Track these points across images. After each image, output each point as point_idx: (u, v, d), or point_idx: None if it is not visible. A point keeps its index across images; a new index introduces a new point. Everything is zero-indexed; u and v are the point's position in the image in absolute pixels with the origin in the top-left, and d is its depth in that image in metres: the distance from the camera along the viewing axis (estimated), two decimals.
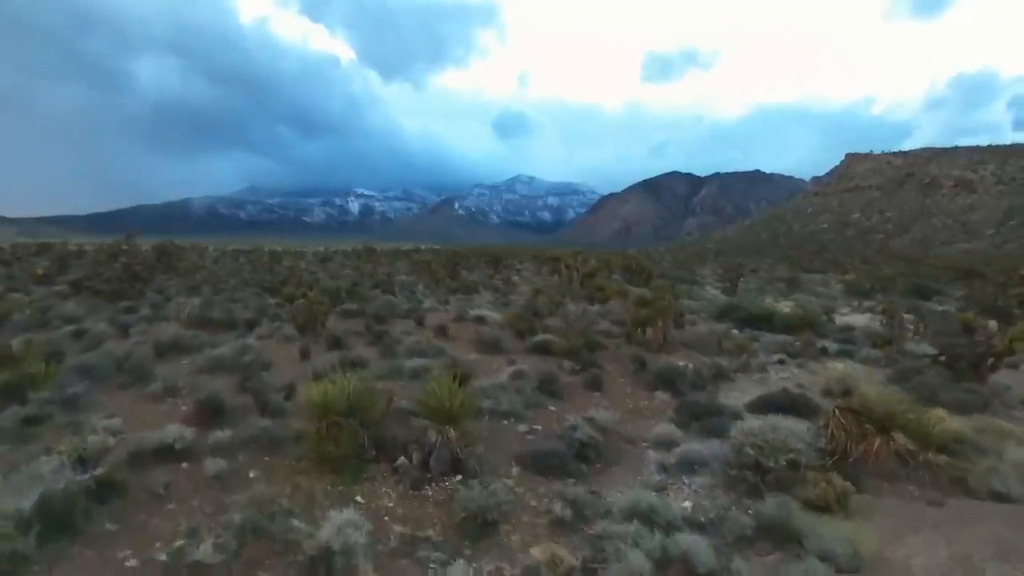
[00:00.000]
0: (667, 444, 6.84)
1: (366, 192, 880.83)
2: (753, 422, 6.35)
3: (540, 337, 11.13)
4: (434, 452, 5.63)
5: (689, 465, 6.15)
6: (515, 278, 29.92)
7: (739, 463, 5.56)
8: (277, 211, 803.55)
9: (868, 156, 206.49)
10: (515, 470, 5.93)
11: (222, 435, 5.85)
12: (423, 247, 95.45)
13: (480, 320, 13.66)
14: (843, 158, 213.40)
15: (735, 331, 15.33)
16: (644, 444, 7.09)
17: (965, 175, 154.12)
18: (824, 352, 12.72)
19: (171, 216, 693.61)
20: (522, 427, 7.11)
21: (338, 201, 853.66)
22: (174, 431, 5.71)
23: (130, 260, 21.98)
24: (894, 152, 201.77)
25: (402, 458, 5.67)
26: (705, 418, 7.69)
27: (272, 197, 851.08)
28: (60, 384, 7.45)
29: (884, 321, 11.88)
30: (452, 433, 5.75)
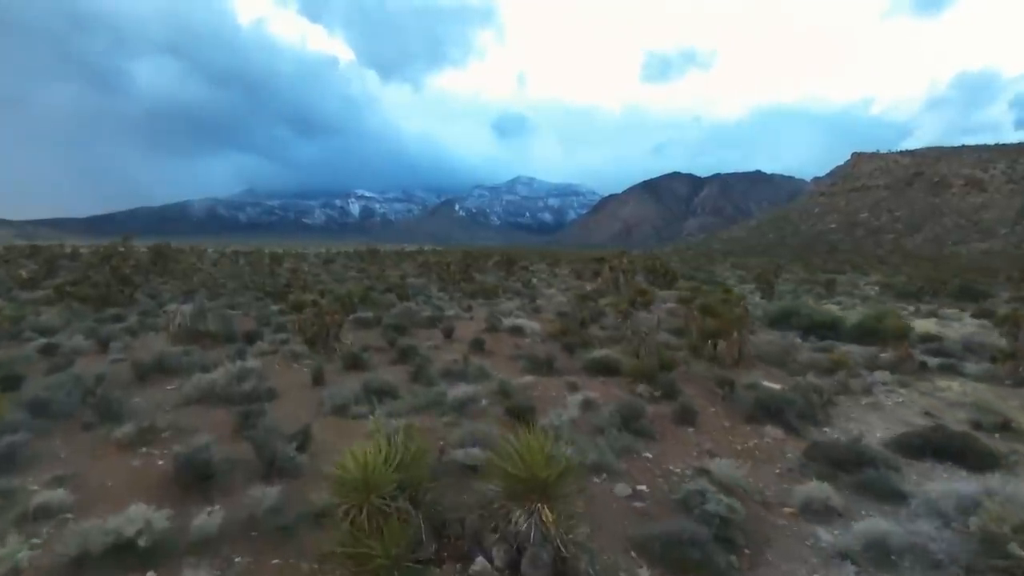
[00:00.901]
0: (827, 514, 4.95)
1: (366, 194, 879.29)
2: (947, 483, 4.48)
3: (598, 352, 9.24)
4: (527, 549, 3.74)
5: (883, 555, 4.25)
6: (534, 280, 28.01)
7: (992, 567, 3.65)
8: (277, 213, 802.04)
9: (874, 155, 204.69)
10: (644, 572, 4.02)
11: (208, 520, 3.96)
12: (427, 248, 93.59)
13: (517, 331, 11.77)
14: (849, 157, 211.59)
15: (798, 340, 13.48)
16: (787, 510, 5.19)
17: (975, 174, 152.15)
18: (924, 367, 10.82)
19: (170, 218, 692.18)
20: (621, 488, 5.22)
21: (338, 203, 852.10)
22: (138, 515, 3.83)
23: (119, 263, 20.09)
24: (901, 151, 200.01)
25: (480, 559, 3.78)
26: (853, 468, 5.79)
27: (272, 199, 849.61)
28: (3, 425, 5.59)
29: (1006, 331, 9.97)
30: (548, 515, 3.87)
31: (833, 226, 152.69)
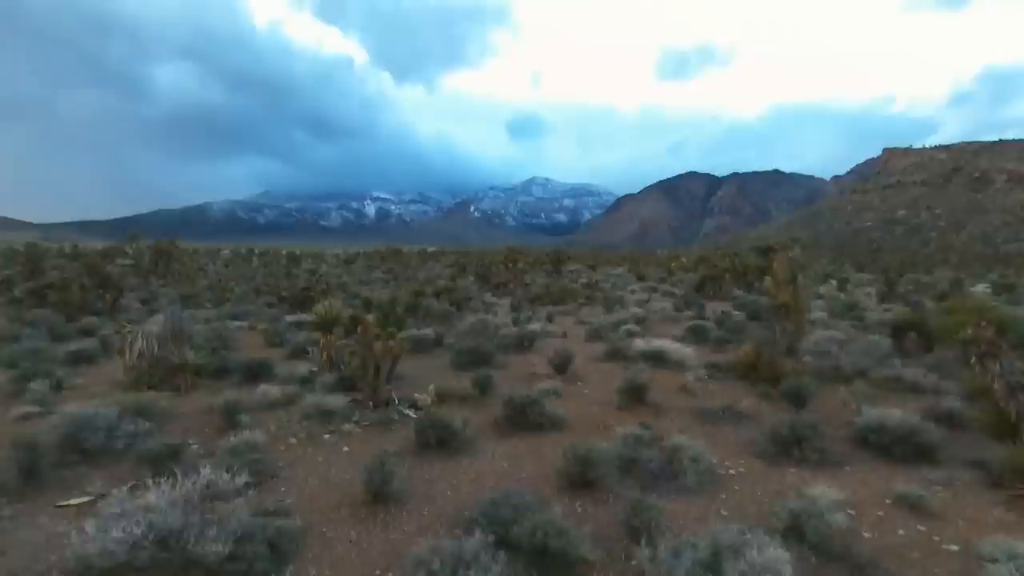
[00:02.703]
0: None
1: (382, 195, 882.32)
2: None
3: (886, 415, 4.99)
4: None
5: None
6: (604, 283, 23.69)
7: None
8: (294, 215, 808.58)
9: (908, 151, 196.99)
10: None
11: None
12: (449, 249, 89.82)
13: (657, 359, 7.58)
14: (881, 153, 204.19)
15: None
16: None
17: (1020, 168, 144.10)
18: None
19: (191, 220, 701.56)
20: None
21: (355, 205, 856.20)
22: None
23: (95, 262, 16.37)
24: (935, 146, 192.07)
25: None
26: None
27: (289, 201, 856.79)
28: None
29: None
30: None
31: (869, 224, 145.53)
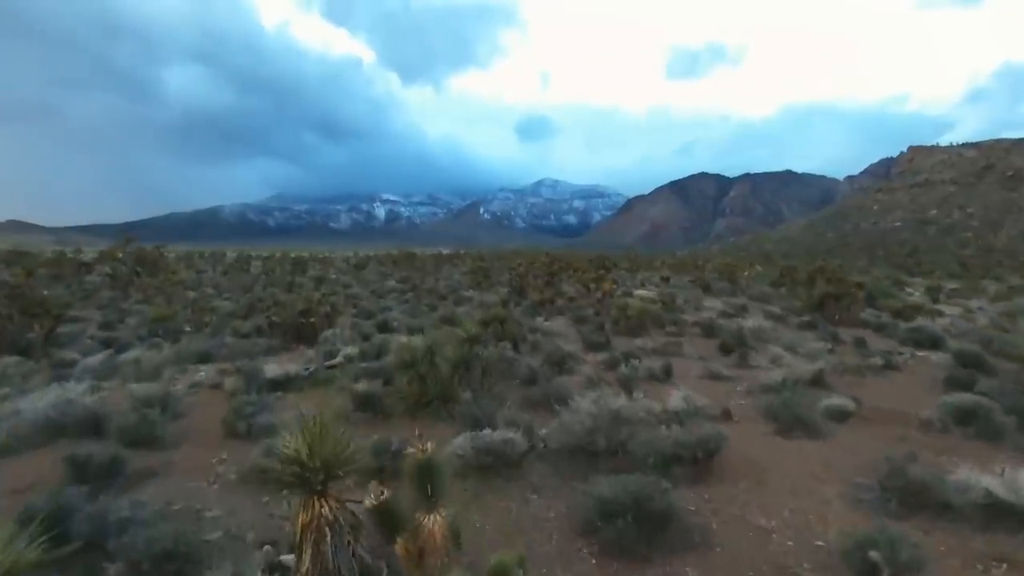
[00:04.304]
0: None
1: (392, 197, 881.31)
2: None
3: None
4: None
5: None
6: (669, 293, 19.46)
7: None
8: (305, 217, 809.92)
9: (934, 149, 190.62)
10: None
11: None
12: (462, 251, 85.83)
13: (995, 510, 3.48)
14: (905, 151, 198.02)
15: None
16: None
17: None
18: None
19: (202, 223, 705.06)
20: None
21: (364, 207, 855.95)
22: None
23: (21, 275, 12.56)
24: (964, 143, 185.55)
25: None
26: None
27: (299, 204, 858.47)
28: None
29: None
30: None
31: (899, 224, 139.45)
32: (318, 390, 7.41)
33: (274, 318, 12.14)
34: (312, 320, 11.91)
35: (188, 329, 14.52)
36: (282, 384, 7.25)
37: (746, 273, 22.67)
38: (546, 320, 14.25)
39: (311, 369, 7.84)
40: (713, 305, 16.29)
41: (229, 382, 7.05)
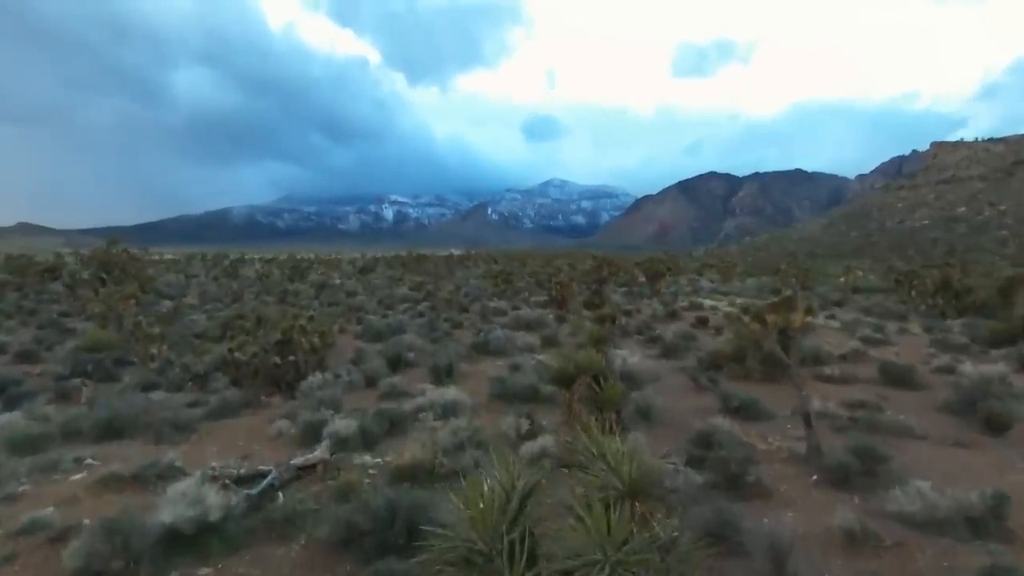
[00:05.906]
0: None
1: (400, 199, 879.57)
2: None
3: None
4: None
5: None
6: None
7: None
8: (313, 219, 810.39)
9: (959, 144, 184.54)
10: None
11: None
12: (472, 252, 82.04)
13: None
14: (929, 147, 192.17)
15: None
16: None
17: None
18: None
19: (212, 225, 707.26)
20: None
21: (372, 208, 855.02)
22: None
23: None
24: (990, 139, 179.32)
25: None
26: None
27: (308, 205, 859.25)
28: None
29: None
30: None
31: (926, 222, 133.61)
32: (265, 549, 3.61)
33: (238, 354, 8.30)
34: (292, 358, 8.08)
35: (135, 361, 10.80)
36: (191, 540, 3.44)
37: (842, 279, 18.31)
38: (616, 347, 10.36)
39: (259, 487, 4.02)
40: (827, 323, 12.23)
41: (72, 548, 3.24)
